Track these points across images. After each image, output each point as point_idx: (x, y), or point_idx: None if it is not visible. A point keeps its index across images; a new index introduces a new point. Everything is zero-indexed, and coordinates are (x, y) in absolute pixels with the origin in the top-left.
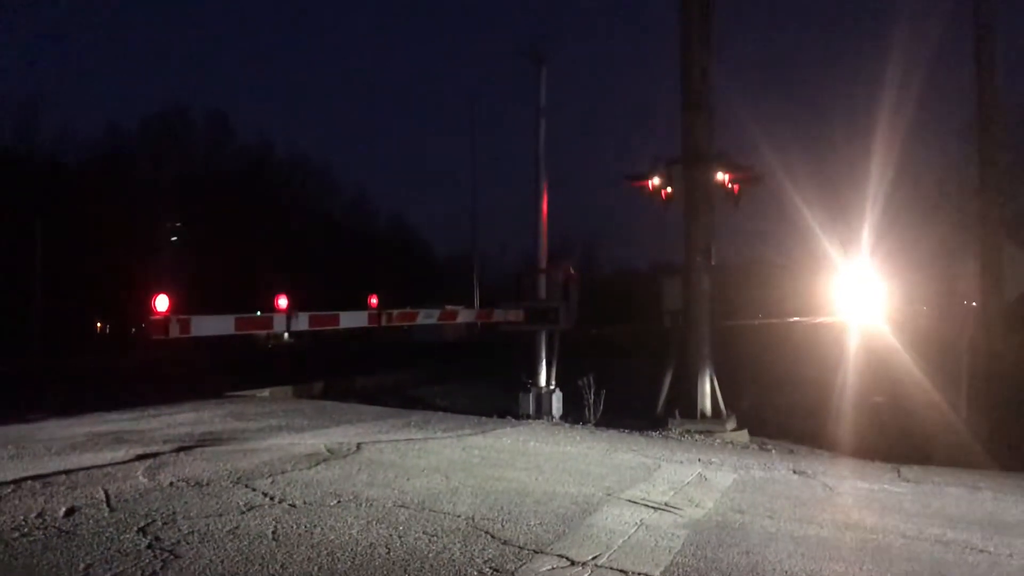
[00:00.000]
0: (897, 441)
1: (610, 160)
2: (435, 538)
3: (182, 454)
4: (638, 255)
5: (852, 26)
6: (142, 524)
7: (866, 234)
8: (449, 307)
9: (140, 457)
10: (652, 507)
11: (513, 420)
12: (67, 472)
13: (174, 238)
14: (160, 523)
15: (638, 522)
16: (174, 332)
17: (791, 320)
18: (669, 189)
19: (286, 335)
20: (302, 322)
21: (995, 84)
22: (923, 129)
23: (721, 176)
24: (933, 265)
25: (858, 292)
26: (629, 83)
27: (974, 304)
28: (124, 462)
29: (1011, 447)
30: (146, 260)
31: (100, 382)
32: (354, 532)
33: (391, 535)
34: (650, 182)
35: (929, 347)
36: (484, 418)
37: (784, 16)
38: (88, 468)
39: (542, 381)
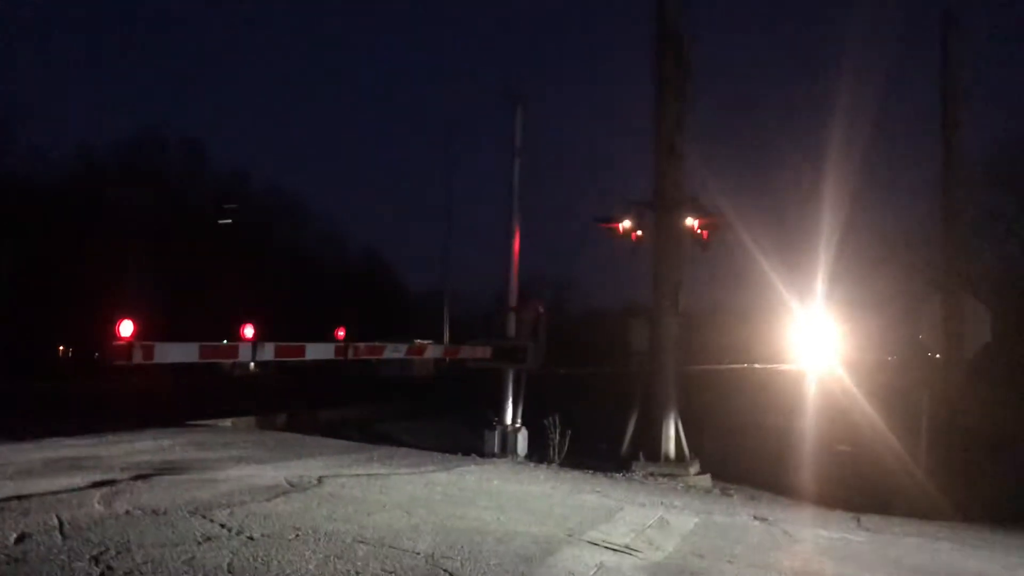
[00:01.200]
0: (858, 490)
1: (584, 200)
2: (394, 575)
3: (140, 482)
4: (608, 296)
5: (820, 77)
6: (95, 552)
7: (821, 280)
8: (418, 342)
9: (96, 484)
10: (613, 549)
11: (478, 458)
12: (20, 498)
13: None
14: (114, 552)
15: (598, 564)
16: (137, 358)
17: (755, 366)
18: (639, 232)
19: (252, 365)
20: (268, 352)
21: (960, 145)
22: (892, 181)
23: (691, 221)
24: (895, 313)
25: (817, 338)
26: (604, 124)
27: (937, 356)
28: (80, 489)
29: (970, 499)
30: (113, 284)
31: (60, 407)
32: (311, 567)
33: (349, 571)
34: (620, 225)
35: (891, 396)
36: (449, 455)
37: (750, 65)
38: (42, 494)
39: (508, 419)
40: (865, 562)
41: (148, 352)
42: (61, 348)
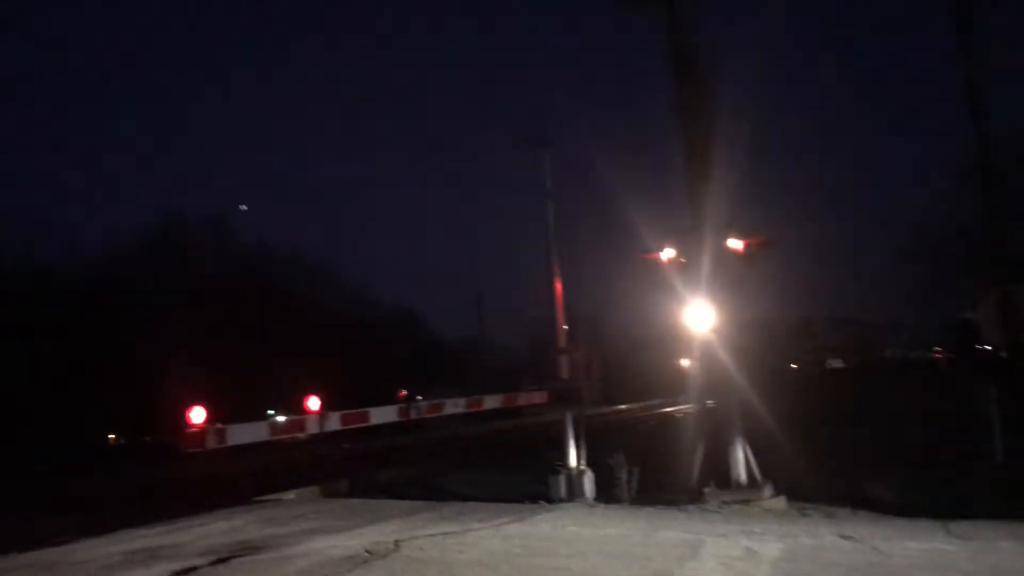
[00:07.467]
0: (936, 492)
1: (614, 235)
2: None
3: (221, 566)
4: (646, 326)
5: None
6: None
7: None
8: (474, 396)
9: (178, 573)
10: None
11: (547, 505)
12: None
13: None
14: None
15: None
16: (212, 443)
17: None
18: (683, 260)
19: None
20: (334, 422)
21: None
22: (919, 175)
23: (733, 243)
24: (940, 308)
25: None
26: (634, 154)
27: (988, 348)
28: None
29: None
30: (158, 369)
31: (123, 497)
32: None
33: None
34: (663, 254)
35: (951, 391)
36: (517, 504)
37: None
38: None
39: (572, 462)
40: (963, 572)
41: (221, 436)
42: (112, 436)
